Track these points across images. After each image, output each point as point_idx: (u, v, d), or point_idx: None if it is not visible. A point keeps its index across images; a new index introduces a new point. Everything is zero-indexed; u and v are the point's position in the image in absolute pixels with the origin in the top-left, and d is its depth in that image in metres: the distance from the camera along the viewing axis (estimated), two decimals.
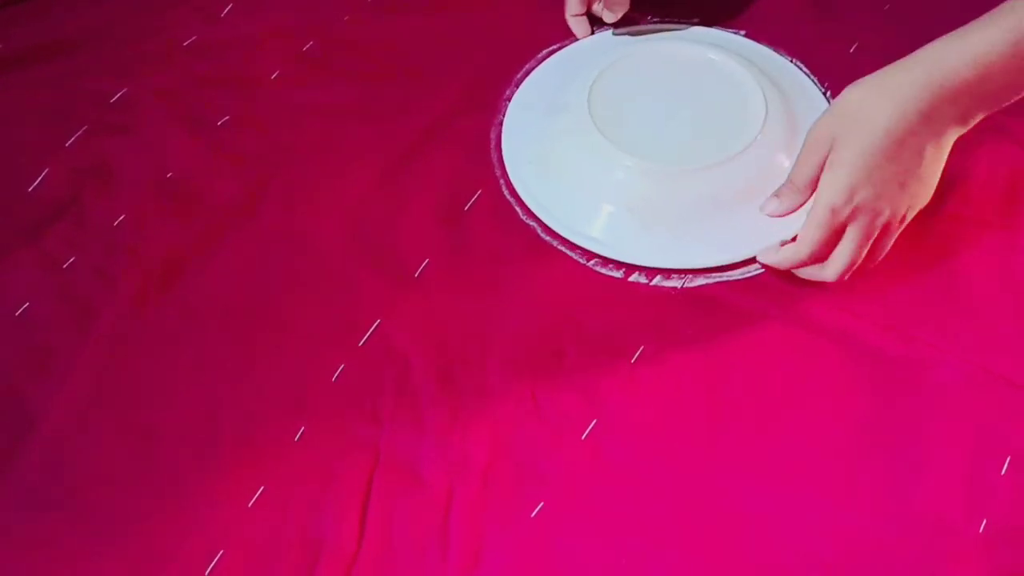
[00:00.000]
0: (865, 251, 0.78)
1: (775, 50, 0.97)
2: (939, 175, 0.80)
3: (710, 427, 0.75)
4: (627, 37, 0.98)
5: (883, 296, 0.80)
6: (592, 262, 0.83)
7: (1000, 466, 0.73)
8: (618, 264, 0.83)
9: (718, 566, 0.69)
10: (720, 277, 0.82)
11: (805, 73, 0.95)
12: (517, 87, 0.94)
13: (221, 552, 0.69)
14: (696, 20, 1.00)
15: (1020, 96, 0.78)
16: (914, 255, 0.82)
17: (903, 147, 0.77)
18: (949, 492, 0.72)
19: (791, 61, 0.96)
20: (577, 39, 0.98)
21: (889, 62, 0.95)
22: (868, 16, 1.01)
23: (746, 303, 0.80)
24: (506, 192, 0.88)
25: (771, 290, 0.81)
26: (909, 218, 0.80)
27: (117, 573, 0.68)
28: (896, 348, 0.78)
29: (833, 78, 0.95)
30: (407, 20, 1.01)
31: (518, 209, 0.86)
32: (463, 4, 0.99)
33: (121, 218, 0.85)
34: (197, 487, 0.71)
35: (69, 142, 0.90)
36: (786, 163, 0.84)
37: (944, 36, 0.78)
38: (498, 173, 0.89)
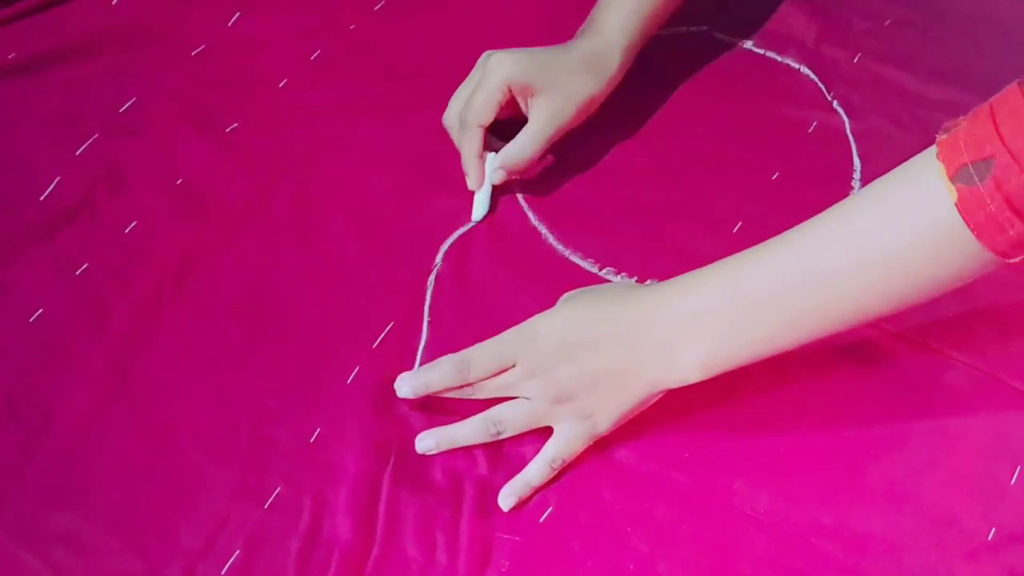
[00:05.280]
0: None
1: (781, 57, 0.98)
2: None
3: (720, 432, 0.75)
4: None
5: None
6: (605, 270, 0.84)
7: (1010, 476, 0.73)
8: (631, 271, 0.83)
9: (727, 568, 0.69)
10: None
11: (813, 79, 0.96)
12: None
13: (237, 552, 0.69)
14: (705, 28, 1.01)
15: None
16: None
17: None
18: (959, 500, 0.72)
19: (799, 68, 0.97)
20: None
21: (888, 69, 0.97)
22: (871, 26, 1.02)
23: None
24: (520, 198, 0.88)
25: None
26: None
27: (133, 571, 0.68)
28: (908, 356, 0.78)
29: (838, 85, 0.96)
30: (415, 26, 1.01)
31: (530, 214, 0.87)
32: (471, 9, 1.00)
33: (133, 224, 0.85)
34: (213, 487, 0.72)
35: (80, 149, 0.90)
36: None
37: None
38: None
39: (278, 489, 0.72)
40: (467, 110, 0.85)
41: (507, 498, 0.72)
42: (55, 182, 0.88)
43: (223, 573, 0.68)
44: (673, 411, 0.75)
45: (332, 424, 0.75)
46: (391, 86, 0.96)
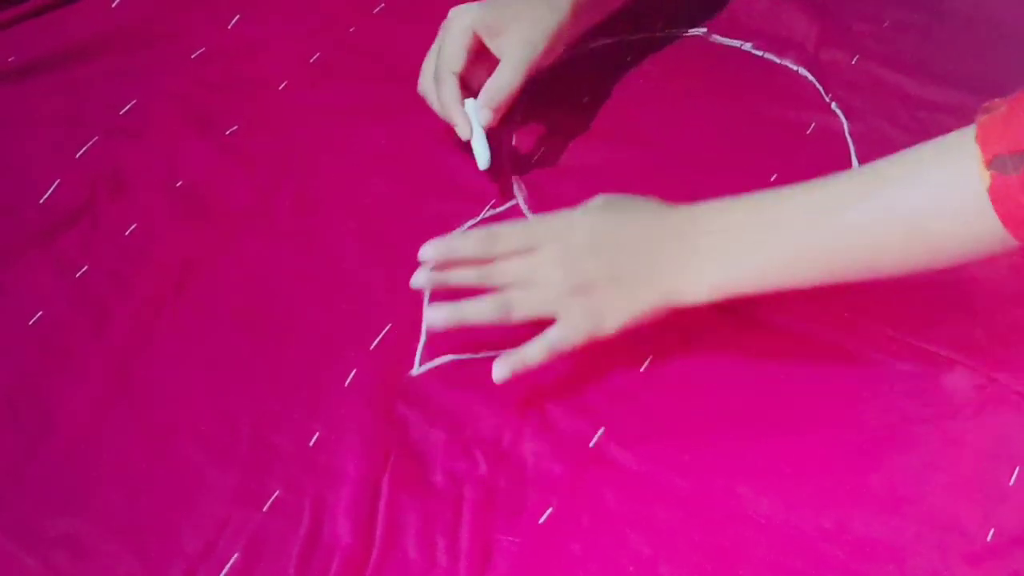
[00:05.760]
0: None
1: (780, 59, 0.98)
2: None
3: (719, 435, 0.75)
4: None
5: (895, 305, 0.80)
6: None
7: (1009, 477, 0.73)
8: None
9: (728, 571, 0.69)
10: None
11: (811, 80, 0.96)
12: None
13: (236, 555, 0.69)
14: (703, 29, 1.01)
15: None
16: None
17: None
18: (960, 503, 0.71)
19: (798, 69, 0.97)
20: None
21: (887, 72, 0.97)
22: (869, 28, 1.02)
23: (758, 312, 0.81)
24: (520, 199, 0.88)
25: (782, 298, 0.81)
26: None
27: (133, 573, 0.68)
28: (906, 358, 0.78)
29: (837, 87, 0.96)
30: (414, 29, 1.00)
31: (530, 216, 0.87)
32: None
33: (133, 226, 0.85)
34: (214, 490, 0.72)
35: (80, 152, 0.90)
36: None
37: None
38: (512, 182, 0.89)
39: (277, 492, 0.72)
40: (439, 63, 0.86)
41: (501, 369, 0.74)
42: (55, 184, 0.88)
43: (222, 575, 0.68)
44: (674, 412, 0.76)
45: (331, 427, 0.75)
46: (391, 88, 0.96)
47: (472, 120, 0.85)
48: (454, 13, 0.87)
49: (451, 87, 0.86)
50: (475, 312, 0.76)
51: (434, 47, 0.89)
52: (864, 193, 0.70)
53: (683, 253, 0.74)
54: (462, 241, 0.77)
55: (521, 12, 0.87)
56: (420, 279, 0.77)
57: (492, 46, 0.87)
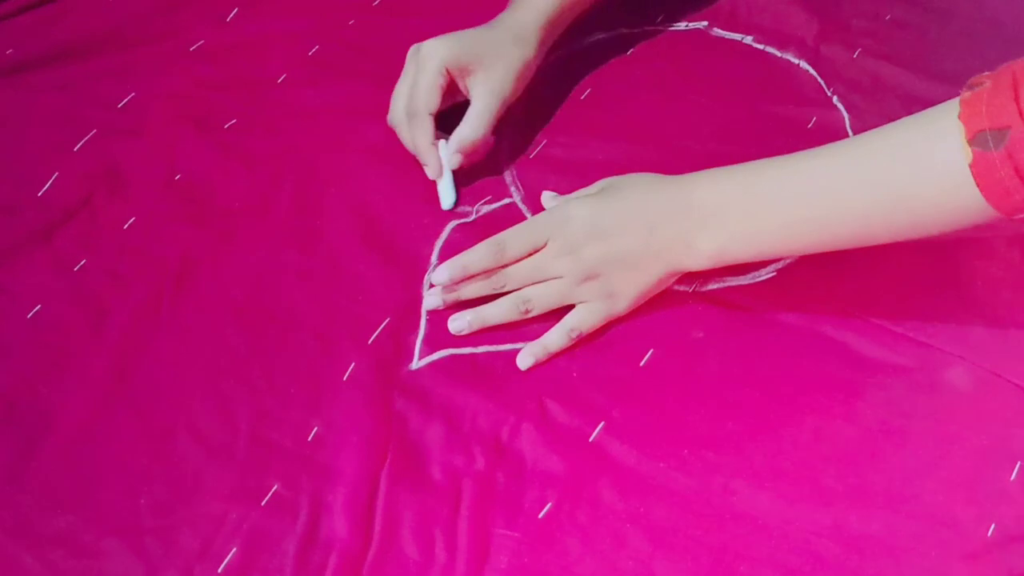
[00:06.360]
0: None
1: (782, 53, 0.98)
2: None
3: (718, 430, 0.75)
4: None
5: (895, 300, 0.80)
6: None
7: (1010, 472, 0.72)
8: None
9: (726, 568, 0.69)
10: (731, 281, 0.82)
11: (813, 74, 0.96)
12: None
13: (234, 550, 0.69)
14: (704, 23, 1.00)
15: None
16: (926, 260, 0.82)
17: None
18: (958, 499, 0.71)
19: (799, 63, 0.97)
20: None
21: (888, 66, 0.97)
22: (870, 24, 1.02)
23: (758, 307, 0.81)
24: (516, 196, 0.88)
25: (782, 294, 0.81)
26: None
27: (131, 571, 0.68)
28: (908, 352, 0.78)
29: (838, 82, 0.96)
30: (413, 23, 1.00)
31: (528, 215, 0.87)
32: (469, 8, 1.00)
33: (131, 220, 0.85)
34: (211, 486, 0.71)
35: (78, 146, 0.90)
36: None
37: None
38: (508, 179, 0.89)
39: (275, 488, 0.72)
40: (413, 100, 0.86)
41: (525, 358, 0.78)
42: (53, 178, 0.88)
43: (219, 572, 0.68)
44: (673, 408, 0.75)
45: (329, 422, 0.75)
46: (390, 82, 0.95)
47: (443, 162, 0.87)
48: (427, 49, 0.87)
49: (425, 128, 0.86)
50: (496, 314, 0.80)
51: (405, 79, 0.88)
52: (851, 166, 0.72)
53: (681, 226, 0.77)
54: (472, 257, 0.79)
55: (489, 51, 0.87)
56: (434, 301, 0.80)
57: (462, 85, 0.88)
